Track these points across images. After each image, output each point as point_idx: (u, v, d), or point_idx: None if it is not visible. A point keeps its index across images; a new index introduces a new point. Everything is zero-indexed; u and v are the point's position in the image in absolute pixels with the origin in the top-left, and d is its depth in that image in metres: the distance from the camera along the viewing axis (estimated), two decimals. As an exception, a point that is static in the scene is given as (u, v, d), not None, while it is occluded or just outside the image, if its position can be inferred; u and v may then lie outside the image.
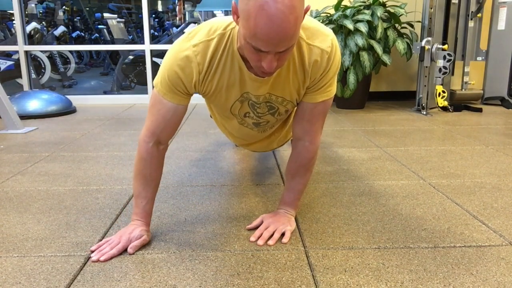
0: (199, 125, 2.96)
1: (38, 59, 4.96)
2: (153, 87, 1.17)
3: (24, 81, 4.15)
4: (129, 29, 6.51)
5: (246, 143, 1.59)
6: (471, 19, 3.65)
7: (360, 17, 3.21)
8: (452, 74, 3.78)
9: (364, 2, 3.45)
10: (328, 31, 1.12)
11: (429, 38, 3.23)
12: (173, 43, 1.12)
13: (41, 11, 6.15)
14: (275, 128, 1.50)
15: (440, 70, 3.24)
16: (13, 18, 4.77)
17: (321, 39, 1.09)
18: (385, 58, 3.26)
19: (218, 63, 1.09)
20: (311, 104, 1.20)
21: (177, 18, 6.67)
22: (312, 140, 1.26)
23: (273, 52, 0.93)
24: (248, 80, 1.13)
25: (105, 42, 6.82)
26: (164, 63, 1.12)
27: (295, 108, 1.29)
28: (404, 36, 3.48)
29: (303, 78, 1.14)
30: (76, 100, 4.03)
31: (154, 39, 6.30)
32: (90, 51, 8.23)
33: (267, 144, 1.59)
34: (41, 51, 4.99)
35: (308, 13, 3.56)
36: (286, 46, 0.92)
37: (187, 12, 5.92)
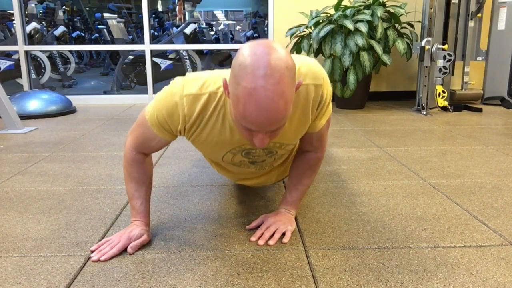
0: (199, 125, 2.96)
1: (38, 59, 4.96)
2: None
3: (24, 81, 4.15)
4: (129, 29, 6.51)
5: (242, 179, 1.51)
6: (471, 19, 3.65)
7: (360, 17, 3.21)
8: (452, 74, 3.78)
9: (364, 2, 3.45)
10: (313, 63, 1.10)
11: (429, 38, 3.23)
12: (173, 81, 1.09)
13: (41, 11, 6.15)
14: (275, 165, 1.43)
15: (440, 70, 3.24)
16: (13, 18, 4.77)
17: (311, 75, 1.07)
18: (385, 58, 3.26)
19: (207, 120, 1.08)
20: (316, 131, 1.21)
21: (177, 18, 6.67)
22: (322, 150, 1.29)
23: (264, 131, 0.92)
24: (240, 139, 1.13)
25: (105, 42, 6.82)
26: (157, 98, 1.09)
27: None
28: (404, 36, 3.48)
29: (304, 120, 1.13)
30: (76, 100, 4.03)
31: (154, 39, 6.30)
32: (90, 51, 8.23)
33: (266, 179, 1.51)
34: (41, 51, 5.00)
35: (308, 16, 3.56)
36: (277, 126, 0.91)
37: (187, 12, 5.92)
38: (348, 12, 3.31)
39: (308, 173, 1.30)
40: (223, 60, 6.76)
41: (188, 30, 4.86)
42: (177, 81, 1.08)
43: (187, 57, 4.73)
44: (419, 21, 3.73)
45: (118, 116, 3.37)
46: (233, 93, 0.89)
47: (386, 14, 3.46)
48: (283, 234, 1.23)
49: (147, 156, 1.22)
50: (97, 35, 7.70)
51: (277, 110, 0.86)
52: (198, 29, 5.42)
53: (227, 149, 1.18)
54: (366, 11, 3.24)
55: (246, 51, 0.88)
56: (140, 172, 1.20)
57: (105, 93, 4.86)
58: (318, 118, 1.16)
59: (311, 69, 1.08)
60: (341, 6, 3.36)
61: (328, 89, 1.12)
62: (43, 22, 6.22)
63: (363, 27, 3.13)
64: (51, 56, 5.30)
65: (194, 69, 4.81)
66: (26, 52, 4.13)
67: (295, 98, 1.07)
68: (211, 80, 1.06)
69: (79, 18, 7.79)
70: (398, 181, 1.73)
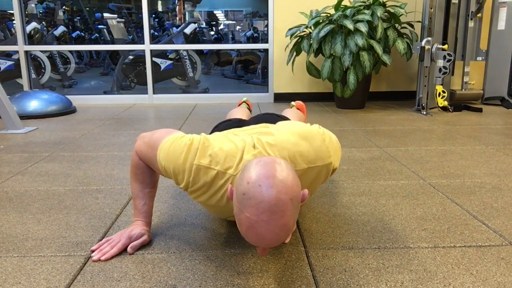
0: (199, 125, 2.96)
1: (38, 59, 4.96)
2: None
3: (24, 81, 4.15)
4: (129, 29, 6.51)
5: None
6: (471, 19, 3.65)
7: (360, 17, 3.21)
8: (452, 74, 3.78)
9: (364, 2, 3.45)
10: (320, 140, 1.08)
11: (429, 38, 3.23)
12: (192, 137, 1.07)
13: (41, 11, 6.15)
14: None
15: (440, 70, 3.24)
16: (13, 18, 4.77)
17: (321, 157, 1.06)
18: (385, 58, 3.26)
19: (212, 195, 1.07)
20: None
21: (177, 18, 6.67)
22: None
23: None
24: None
25: (105, 42, 6.83)
26: (173, 150, 1.06)
27: None
28: (404, 36, 3.48)
29: (312, 192, 1.15)
30: (76, 100, 4.03)
31: (154, 39, 6.30)
32: (90, 51, 8.24)
33: None
34: (41, 51, 5.00)
35: (308, 16, 3.56)
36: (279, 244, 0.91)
37: (187, 12, 5.92)
38: (348, 12, 3.31)
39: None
40: (225, 63, 6.76)
41: (188, 30, 4.86)
42: (194, 144, 1.05)
43: (187, 57, 4.73)
44: (419, 21, 3.73)
45: (118, 116, 3.37)
46: (236, 213, 0.89)
47: (386, 14, 3.46)
48: (283, 235, 1.23)
49: None
50: (97, 35, 7.70)
51: (277, 240, 0.87)
52: (198, 29, 5.42)
53: (231, 214, 1.17)
54: (366, 11, 3.25)
55: (251, 179, 0.86)
56: (145, 174, 1.20)
57: (105, 93, 4.86)
58: (328, 178, 1.17)
59: (319, 153, 1.06)
60: (341, 6, 3.36)
61: (337, 158, 1.12)
62: (43, 22, 6.22)
63: (363, 27, 3.13)
64: (51, 56, 5.30)
65: (194, 69, 4.81)
66: (26, 52, 4.13)
67: (303, 180, 1.07)
68: (222, 156, 1.03)
69: (79, 18, 7.79)
70: (398, 181, 1.73)
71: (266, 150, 1.04)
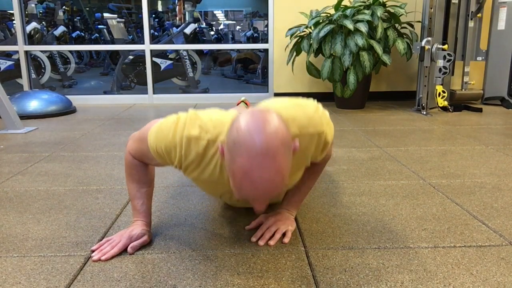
0: (199, 125, 2.96)
1: (38, 59, 4.96)
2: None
3: (24, 81, 4.15)
4: (129, 29, 6.52)
5: (243, 205, 1.48)
6: (471, 19, 3.65)
7: (360, 17, 3.21)
8: (452, 74, 3.78)
9: (364, 2, 3.45)
10: (313, 110, 1.08)
11: (429, 38, 3.23)
12: (178, 115, 1.07)
13: (41, 11, 6.15)
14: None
15: (440, 70, 3.24)
16: (13, 18, 4.77)
17: (313, 125, 1.06)
18: (385, 58, 3.26)
19: (205, 167, 1.07)
20: (320, 159, 1.20)
21: (177, 18, 6.67)
22: (327, 160, 1.30)
23: (261, 200, 0.91)
24: None
25: (105, 42, 6.83)
26: (161, 129, 1.07)
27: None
28: (404, 36, 3.48)
29: (303, 164, 1.13)
30: (76, 100, 4.03)
31: (154, 39, 6.30)
32: (90, 51, 8.24)
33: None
34: (41, 51, 5.00)
35: (308, 15, 3.56)
36: (275, 196, 0.90)
37: (187, 12, 5.92)
38: (348, 12, 3.31)
39: (311, 176, 1.30)
40: (224, 63, 6.76)
41: (188, 30, 4.86)
42: (181, 118, 1.06)
43: (187, 57, 4.73)
44: (419, 21, 3.73)
45: (118, 116, 3.37)
46: (229, 166, 0.88)
47: (386, 14, 3.46)
48: (284, 234, 1.23)
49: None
50: (97, 35, 7.71)
51: (273, 187, 0.86)
52: (198, 29, 5.42)
53: (225, 189, 1.17)
54: (366, 11, 3.25)
55: (240, 126, 0.86)
56: (141, 173, 1.20)
57: (105, 93, 4.86)
58: (322, 154, 1.16)
59: (311, 119, 1.06)
60: (341, 6, 3.36)
61: (330, 131, 1.11)
62: (43, 22, 6.22)
63: (363, 27, 3.13)
64: (51, 56, 5.30)
65: (194, 69, 4.81)
66: (26, 52, 4.13)
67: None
68: (211, 125, 1.04)
69: (79, 18, 7.79)
70: (398, 181, 1.73)
71: None
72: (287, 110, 1.04)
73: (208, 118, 1.06)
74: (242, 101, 2.41)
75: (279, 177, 0.86)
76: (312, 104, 1.09)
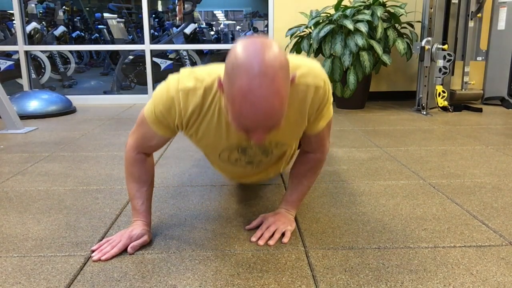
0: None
1: (38, 59, 4.96)
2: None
3: (24, 81, 4.15)
4: (129, 29, 6.51)
5: (240, 177, 1.48)
6: (471, 19, 3.65)
7: (360, 17, 3.21)
8: (452, 74, 3.78)
9: (364, 2, 3.45)
10: (313, 64, 1.10)
11: (429, 38, 3.23)
12: (169, 76, 1.10)
13: (41, 11, 6.15)
14: (270, 163, 1.41)
15: (440, 70, 3.24)
16: (13, 18, 4.77)
17: (313, 75, 1.07)
18: (385, 58, 3.26)
19: (204, 116, 1.08)
20: (315, 132, 1.20)
21: (177, 18, 6.67)
22: (323, 151, 1.28)
23: (261, 129, 0.91)
24: (236, 135, 1.13)
25: (105, 42, 6.83)
26: (154, 94, 1.10)
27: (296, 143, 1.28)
28: (404, 36, 3.48)
29: (301, 120, 1.13)
30: (76, 100, 4.03)
31: (154, 39, 6.30)
32: (90, 51, 8.23)
33: (263, 176, 1.48)
34: (41, 51, 5.00)
35: (308, 15, 3.56)
36: (274, 124, 0.90)
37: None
38: (348, 12, 3.31)
39: (309, 174, 1.30)
40: (223, 60, 6.76)
41: (188, 30, 4.86)
42: (172, 77, 1.08)
43: (187, 57, 4.73)
44: (419, 21, 3.73)
45: (118, 116, 3.37)
46: (227, 92, 0.89)
47: (386, 14, 3.46)
48: (283, 234, 1.23)
49: (148, 156, 1.23)
50: (97, 35, 7.71)
51: (273, 108, 0.86)
52: (198, 29, 5.42)
53: (224, 145, 1.18)
54: (366, 11, 3.24)
55: (239, 50, 0.87)
56: (141, 172, 1.20)
57: (105, 93, 4.86)
58: (318, 120, 1.16)
59: (312, 70, 1.07)
60: (341, 6, 3.36)
61: (328, 91, 1.12)
62: (43, 22, 6.22)
63: (363, 27, 3.13)
64: (51, 56, 5.30)
65: (194, 69, 4.81)
66: (26, 52, 4.13)
67: (291, 98, 1.06)
68: (205, 74, 1.06)
69: (79, 18, 7.79)
70: (398, 181, 1.73)
71: None
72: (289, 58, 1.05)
73: (202, 69, 1.07)
74: None
75: (278, 99, 0.86)
76: (314, 60, 1.11)
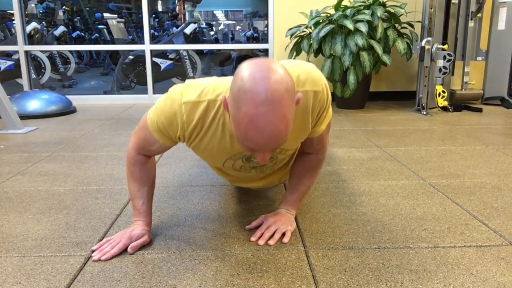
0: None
1: (38, 59, 4.96)
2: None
3: (24, 81, 4.15)
4: (129, 29, 6.51)
5: (244, 181, 1.47)
6: (471, 19, 3.65)
7: (360, 17, 3.21)
8: (452, 74, 3.78)
9: (364, 2, 3.45)
10: (311, 69, 1.09)
11: (429, 38, 3.23)
12: (172, 87, 1.09)
13: (41, 11, 6.15)
14: (275, 168, 1.41)
15: (440, 70, 3.24)
16: (13, 18, 4.77)
17: (311, 82, 1.07)
18: (385, 58, 3.26)
19: (207, 129, 1.07)
20: (316, 135, 1.20)
21: (178, 17, 6.66)
22: (323, 151, 1.29)
23: (266, 150, 0.91)
24: (240, 146, 1.12)
25: (105, 42, 6.83)
26: (158, 104, 1.09)
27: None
28: (404, 36, 3.48)
29: (304, 126, 1.13)
30: (76, 100, 4.03)
31: (154, 39, 6.30)
32: (90, 51, 8.23)
33: (267, 182, 1.47)
34: (41, 51, 5.00)
35: (308, 16, 3.56)
36: (279, 145, 0.90)
37: (187, 12, 5.92)
38: (348, 12, 3.31)
39: (308, 174, 1.30)
40: (224, 60, 6.75)
41: (188, 30, 4.86)
42: (176, 88, 1.07)
43: (187, 57, 4.73)
44: (419, 21, 3.73)
45: (118, 116, 3.37)
46: (233, 115, 0.89)
47: (386, 14, 3.46)
48: (283, 234, 1.23)
49: (149, 157, 1.23)
50: (97, 35, 7.70)
51: (278, 133, 0.87)
52: (198, 29, 5.42)
53: (228, 156, 1.18)
54: (366, 11, 3.24)
55: (245, 74, 0.87)
56: (142, 172, 1.20)
57: (105, 93, 4.86)
58: (318, 123, 1.16)
59: (310, 76, 1.07)
60: (341, 6, 3.36)
61: (327, 95, 1.12)
62: (43, 22, 6.22)
63: (363, 27, 3.13)
64: (51, 56, 5.30)
65: (194, 69, 4.80)
66: (26, 52, 4.13)
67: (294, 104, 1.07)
68: (210, 87, 1.05)
69: (79, 18, 7.79)
70: (398, 181, 1.73)
71: None
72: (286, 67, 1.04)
73: (206, 83, 1.07)
74: None
75: (284, 124, 0.87)
76: (310, 65, 1.11)
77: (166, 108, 1.06)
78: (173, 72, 4.87)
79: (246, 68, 0.88)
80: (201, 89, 1.05)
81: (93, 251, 1.15)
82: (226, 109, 0.93)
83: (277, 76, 0.86)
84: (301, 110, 1.08)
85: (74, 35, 7.40)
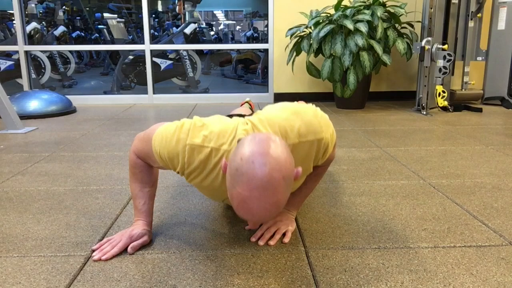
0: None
1: (38, 59, 4.96)
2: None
3: (24, 81, 4.15)
4: (129, 29, 6.51)
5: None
6: (471, 19, 3.65)
7: (360, 17, 3.21)
8: (452, 74, 3.78)
9: (364, 2, 3.45)
10: (312, 116, 1.08)
11: (429, 38, 3.23)
12: (182, 122, 1.09)
13: (41, 11, 6.14)
14: None
15: (440, 70, 3.24)
16: (13, 18, 4.77)
17: (312, 132, 1.06)
18: (385, 58, 3.26)
19: (207, 174, 1.08)
20: (323, 161, 1.20)
21: (178, 17, 6.66)
22: (330, 164, 1.31)
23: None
24: None
25: (105, 42, 6.83)
26: (164, 135, 1.08)
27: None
28: (404, 36, 3.48)
29: (306, 169, 1.14)
30: (76, 100, 4.03)
31: (154, 39, 6.30)
32: (90, 51, 8.23)
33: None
34: (41, 51, 5.00)
35: (308, 16, 3.56)
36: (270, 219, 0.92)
37: (187, 12, 5.92)
38: (348, 12, 3.31)
39: (314, 178, 1.30)
40: (224, 63, 6.76)
41: (188, 30, 4.86)
42: (186, 124, 1.07)
43: (187, 57, 4.73)
44: (419, 21, 3.73)
45: (118, 116, 3.37)
46: (229, 188, 0.89)
47: (386, 14, 3.46)
48: (284, 234, 1.23)
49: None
50: (97, 35, 7.70)
51: (269, 215, 0.88)
52: (198, 29, 5.42)
53: (226, 195, 1.18)
54: (366, 11, 3.24)
55: (245, 154, 0.86)
56: (144, 173, 1.20)
57: (105, 93, 4.86)
58: (324, 156, 1.16)
59: (310, 127, 1.07)
60: (341, 6, 3.36)
61: (331, 137, 1.12)
62: (43, 22, 6.22)
63: (363, 27, 3.13)
64: (51, 56, 5.30)
65: (194, 69, 4.80)
66: (26, 52, 4.13)
67: (297, 155, 1.07)
68: (215, 133, 1.05)
69: (79, 18, 7.79)
70: (398, 181, 1.73)
71: (257, 125, 1.05)
72: (286, 121, 1.05)
73: (212, 127, 1.06)
74: (247, 102, 2.41)
75: (276, 208, 0.87)
76: (310, 109, 1.09)
77: (171, 145, 1.06)
78: (173, 72, 4.87)
79: (248, 147, 0.87)
80: (207, 133, 1.05)
81: (93, 251, 1.15)
82: (224, 173, 0.94)
83: (276, 162, 0.85)
84: (302, 159, 1.09)
85: (74, 35, 7.40)
